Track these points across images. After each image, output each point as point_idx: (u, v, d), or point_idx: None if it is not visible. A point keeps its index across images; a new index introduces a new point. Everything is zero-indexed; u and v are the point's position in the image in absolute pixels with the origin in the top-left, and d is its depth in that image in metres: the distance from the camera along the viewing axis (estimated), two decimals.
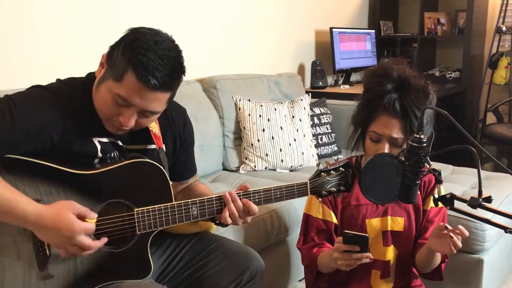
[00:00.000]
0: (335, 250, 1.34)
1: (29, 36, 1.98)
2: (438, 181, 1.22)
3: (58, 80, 1.24)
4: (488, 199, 1.12)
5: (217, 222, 1.38)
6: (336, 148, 2.92)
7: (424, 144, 1.18)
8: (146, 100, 1.12)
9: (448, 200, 1.21)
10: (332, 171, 1.36)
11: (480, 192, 1.13)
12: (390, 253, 1.53)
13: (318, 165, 1.37)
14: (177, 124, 1.40)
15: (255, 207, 1.27)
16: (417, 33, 4.16)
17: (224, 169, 2.59)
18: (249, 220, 1.30)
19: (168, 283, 1.38)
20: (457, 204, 1.18)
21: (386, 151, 1.41)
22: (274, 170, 2.56)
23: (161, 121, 1.35)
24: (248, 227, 1.86)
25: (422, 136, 1.18)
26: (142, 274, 1.25)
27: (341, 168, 1.37)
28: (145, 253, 1.25)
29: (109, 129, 1.20)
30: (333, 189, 1.36)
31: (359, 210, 1.52)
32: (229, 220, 1.26)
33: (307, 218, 1.58)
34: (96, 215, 1.14)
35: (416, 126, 1.36)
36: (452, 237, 1.32)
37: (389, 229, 1.52)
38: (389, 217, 1.52)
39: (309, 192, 1.35)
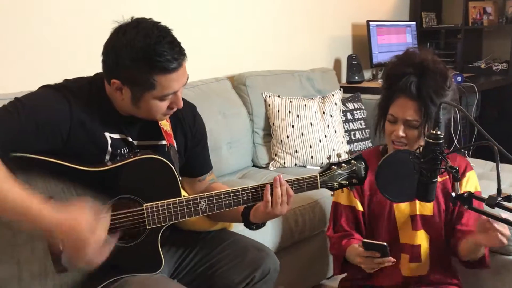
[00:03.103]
0: (357, 255, 1.39)
1: (38, 38, 2.02)
2: (456, 178, 1.17)
3: (65, 80, 1.28)
4: (508, 198, 1.06)
5: (251, 224, 1.38)
6: (370, 144, 2.85)
7: (441, 141, 1.13)
8: (180, 77, 1.21)
9: (466, 199, 1.15)
10: (343, 164, 1.34)
11: (499, 190, 1.07)
12: (421, 237, 1.53)
13: (329, 158, 1.36)
14: (187, 119, 1.42)
15: (291, 191, 1.31)
16: (462, 23, 3.98)
17: (254, 165, 2.59)
18: (285, 210, 1.31)
19: (182, 279, 1.39)
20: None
21: (401, 132, 1.44)
22: (304, 166, 2.53)
23: (172, 118, 1.37)
24: (270, 224, 1.85)
25: (438, 132, 1.13)
26: (153, 268, 1.27)
27: (352, 161, 1.35)
28: (156, 248, 1.27)
29: (160, 119, 1.29)
30: (345, 182, 1.34)
31: None
32: (269, 204, 1.28)
33: (336, 206, 1.62)
34: (109, 213, 1.17)
35: (432, 110, 1.39)
36: (497, 229, 1.28)
37: (418, 213, 1.52)
38: (417, 201, 1.51)
39: (319, 186, 1.34)
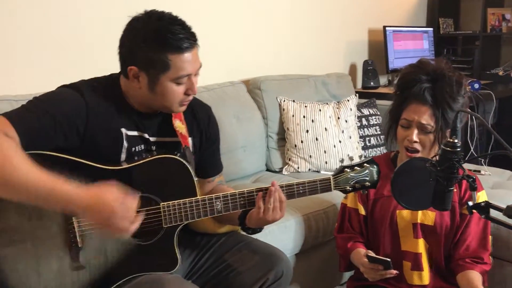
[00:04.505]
0: (361, 265, 1.46)
1: (54, 39, 2.05)
2: (473, 188, 1.16)
3: (81, 80, 1.31)
4: None
5: (247, 228, 1.39)
6: (385, 151, 2.83)
7: (458, 149, 1.12)
8: (193, 60, 1.24)
9: (483, 209, 1.14)
10: (356, 167, 1.34)
11: None
12: (421, 246, 1.53)
13: (341, 161, 1.36)
14: (202, 120, 1.44)
15: (284, 197, 1.31)
16: (480, 30, 3.94)
17: (268, 169, 2.59)
18: (278, 217, 1.30)
19: (196, 281, 1.40)
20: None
21: (414, 136, 1.44)
22: (318, 171, 2.52)
23: (187, 119, 1.39)
24: (284, 229, 1.85)
25: (456, 141, 1.12)
26: (169, 266, 1.28)
27: (365, 164, 1.35)
28: (172, 246, 1.29)
29: (178, 110, 1.30)
30: (358, 185, 1.35)
31: (391, 201, 1.53)
32: (261, 210, 1.27)
33: (343, 207, 1.66)
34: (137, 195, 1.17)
35: (449, 115, 1.42)
36: None
37: (419, 221, 1.52)
38: (419, 210, 1.52)
39: (332, 188, 1.34)
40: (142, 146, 1.31)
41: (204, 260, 1.42)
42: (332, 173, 1.36)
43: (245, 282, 1.35)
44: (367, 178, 1.35)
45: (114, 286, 1.23)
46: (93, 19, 2.12)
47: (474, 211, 1.16)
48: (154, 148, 1.33)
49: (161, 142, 1.35)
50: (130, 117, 1.29)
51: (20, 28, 1.92)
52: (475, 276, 1.46)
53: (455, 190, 1.51)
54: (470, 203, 1.17)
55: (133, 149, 1.29)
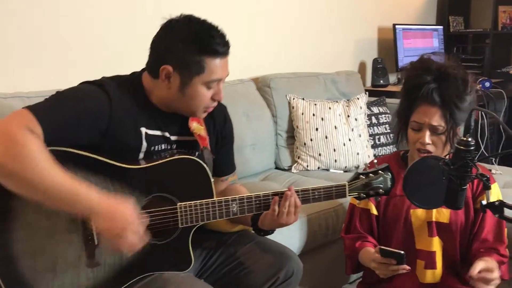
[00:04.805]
0: (372, 261, 1.41)
1: (77, 38, 2.06)
2: (486, 186, 1.15)
3: (103, 77, 1.30)
4: None
5: (259, 230, 1.39)
6: (395, 149, 2.82)
7: (472, 148, 1.11)
8: (225, 67, 1.28)
9: (497, 208, 1.13)
10: (371, 174, 1.34)
11: None
12: (436, 244, 1.52)
13: (357, 167, 1.36)
14: (219, 119, 1.44)
15: (299, 202, 1.32)
16: (490, 28, 3.91)
17: (277, 167, 2.59)
18: (292, 221, 1.31)
19: (207, 279, 1.40)
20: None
21: (427, 139, 1.43)
22: (327, 170, 2.52)
23: (205, 119, 1.39)
24: (293, 227, 1.84)
25: (469, 139, 1.12)
26: (183, 266, 1.29)
27: (380, 171, 1.35)
28: (187, 246, 1.29)
29: (199, 115, 1.32)
30: (372, 192, 1.35)
31: (404, 200, 1.51)
32: (276, 213, 1.28)
33: (352, 207, 1.63)
34: (147, 217, 1.20)
35: (457, 115, 1.41)
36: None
37: (434, 219, 1.51)
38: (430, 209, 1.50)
39: (347, 194, 1.35)
40: (163, 146, 1.32)
41: (214, 258, 1.42)
42: (348, 178, 1.36)
43: (255, 280, 1.35)
44: (381, 185, 1.36)
45: (128, 284, 1.23)
46: (93, 19, 2.12)
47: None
48: (174, 146, 1.34)
49: (181, 141, 1.35)
50: (152, 116, 1.29)
51: (20, 27, 1.91)
52: (490, 261, 1.41)
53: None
54: (484, 202, 1.16)
55: (153, 148, 1.29)
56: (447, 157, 1.16)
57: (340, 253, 2.09)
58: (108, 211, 1.10)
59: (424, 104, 1.43)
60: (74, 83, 1.29)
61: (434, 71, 1.44)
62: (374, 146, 2.73)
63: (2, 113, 1.66)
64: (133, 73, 1.33)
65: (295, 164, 2.53)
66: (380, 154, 2.75)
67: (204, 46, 1.22)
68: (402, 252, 1.34)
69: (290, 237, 1.83)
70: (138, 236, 1.14)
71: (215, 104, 1.32)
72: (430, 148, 1.44)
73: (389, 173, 1.36)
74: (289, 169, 2.55)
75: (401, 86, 3.44)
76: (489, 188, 1.15)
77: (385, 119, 2.84)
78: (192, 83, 1.24)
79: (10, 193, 1.11)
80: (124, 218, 1.11)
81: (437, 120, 1.41)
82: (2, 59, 1.88)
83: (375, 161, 1.39)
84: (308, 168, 2.50)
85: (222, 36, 1.25)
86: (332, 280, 2.13)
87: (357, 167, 1.39)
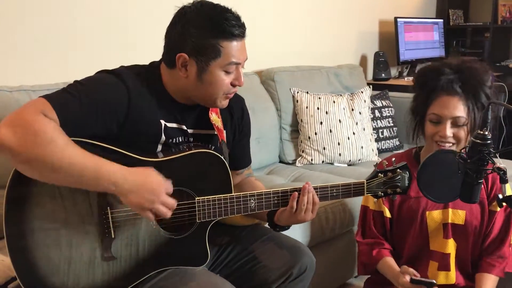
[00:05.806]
0: (400, 285, 1.40)
1: (82, 29, 2.05)
2: (503, 180, 1.15)
3: (121, 66, 1.28)
4: None
5: (275, 225, 1.38)
6: (398, 143, 2.83)
7: (489, 141, 1.11)
8: (242, 49, 1.24)
9: None
10: (389, 173, 1.33)
11: None
12: (451, 246, 1.51)
13: (375, 165, 1.35)
14: (236, 112, 1.43)
15: (317, 198, 1.31)
16: (490, 22, 3.92)
17: (281, 161, 2.58)
18: (309, 218, 1.31)
19: (220, 273, 1.39)
20: None
21: (448, 132, 1.40)
22: (332, 164, 2.52)
23: (222, 112, 1.37)
24: None
25: (486, 133, 1.11)
26: (199, 261, 1.27)
27: (398, 170, 1.34)
28: (203, 241, 1.27)
29: (221, 105, 1.28)
30: (389, 190, 1.34)
31: (419, 202, 1.50)
32: (293, 210, 1.28)
33: (365, 210, 1.61)
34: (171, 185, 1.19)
35: (479, 104, 1.38)
36: None
37: (449, 221, 1.50)
38: (450, 210, 1.50)
39: (365, 192, 1.34)
40: (180, 138, 1.29)
41: (227, 252, 1.41)
42: (367, 176, 1.35)
43: (269, 275, 1.34)
44: (399, 184, 1.34)
45: (143, 278, 1.22)
46: (97, 13, 2.09)
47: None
48: (192, 139, 1.32)
49: (198, 134, 1.33)
50: (169, 108, 1.27)
51: (19, 28, 1.89)
52: (488, 281, 1.47)
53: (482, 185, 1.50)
54: (500, 196, 1.17)
55: (171, 140, 1.27)
56: (463, 150, 1.15)
57: (346, 247, 2.10)
58: (134, 183, 1.10)
59: (444, 95, 1.40)
60: (79, 76, 1.25)
61: (453, 66, 1.43)
62: (377, 140, 2.73)
63: (9, 106, 1.64)
64: (152, 63, 1.31)
65: (300, 158, 2.53)
66: (383, 147, 2.76)
67: (218, 29, 1.18)
68: (433, 281, 1.35)
69: (298, 231, 1.83)
70: (166, 204, 1.14)
71: (235, 90, 1.28)
72: (452, 141, 1.41)
73: (407, 172, 1.34)
74: (293, 163, 2.54)
75: (402, 79, 3.47)
76: (506, 181, 1.15)
77: (388, 112, 2.84)
78: (209, 69, 1.21)
79: (26, 185, 1.10)
80: (152, 188, 1.11)
81: (460, 110, 1.38)
82: (7, 54, 1.86)
83: (393, 159, 1.37)
84: (313, 162, 2.50)
85: (237, 18, 1.22)
86: (338, 274, 2.13)
87: (375, 165, 1.38)
